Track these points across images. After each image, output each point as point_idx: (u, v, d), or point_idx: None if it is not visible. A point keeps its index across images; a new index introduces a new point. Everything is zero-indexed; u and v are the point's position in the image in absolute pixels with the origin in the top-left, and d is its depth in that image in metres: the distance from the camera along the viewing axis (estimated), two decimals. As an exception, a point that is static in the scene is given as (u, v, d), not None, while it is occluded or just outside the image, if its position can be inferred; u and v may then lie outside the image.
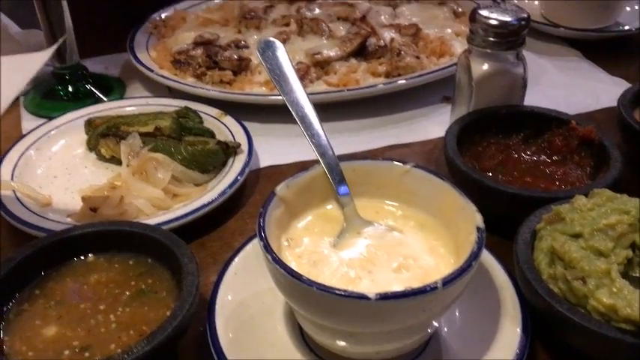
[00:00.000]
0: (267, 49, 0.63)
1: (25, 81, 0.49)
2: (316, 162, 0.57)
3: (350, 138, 0.82)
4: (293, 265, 0.49)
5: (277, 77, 0.61)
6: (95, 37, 1.04)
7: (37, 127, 0.79)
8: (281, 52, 0.63)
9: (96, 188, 0.68)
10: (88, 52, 0.96)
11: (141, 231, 0.55)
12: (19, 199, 0.67)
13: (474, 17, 0.70)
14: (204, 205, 0.66)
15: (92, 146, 0.77)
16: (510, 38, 0.69)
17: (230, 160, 0.73)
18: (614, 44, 1.00)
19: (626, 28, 1.00)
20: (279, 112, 0.67)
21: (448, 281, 0.43)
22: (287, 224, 0.54)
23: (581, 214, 0.53)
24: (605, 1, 0.97)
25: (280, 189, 0.53)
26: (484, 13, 0.70)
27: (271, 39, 0.63)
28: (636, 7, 1.03)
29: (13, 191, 0.67)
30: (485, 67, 0.71)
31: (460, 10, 1.02)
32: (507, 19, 0.69)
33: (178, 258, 0.52)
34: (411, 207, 0.56)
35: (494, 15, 0.69)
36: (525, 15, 0.70)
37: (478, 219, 0.49)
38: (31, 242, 0.54)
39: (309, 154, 0.58)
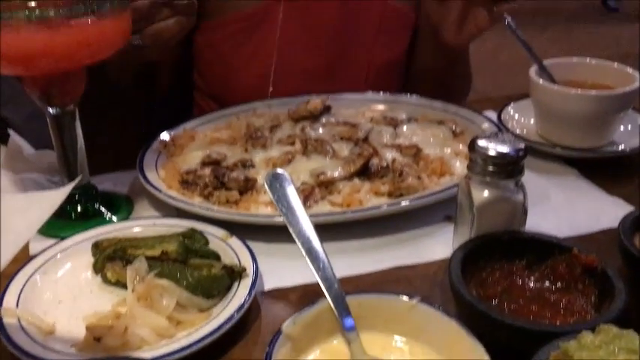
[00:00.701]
0: (274, 181, 0.65)
1: (42, 221, 0.50)
2: (320, 292, 0.58)
3: (355, 259, 0.83)
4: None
5: (285, 209, 0.63)
6: (105, 154, 1.07)
7: (45, 250, 0.80)
8: (288, 183, 0.65)
9: (100, 316, 0.68)
10: (97, 169, 0.98)
11: (145, 367, 0.55)
12: (22, 328, 0.67)
13: (473, 147, 0.73)
14: (209, 334, 0.65)
15: (98, 269, 0.77)
16: (509, 168, 0.72)
17: (235, 284, 0.73)
18: (611, 163, 1.02)
19: (621, 148, 1.03)
20: (284, 232, 0.69)
21: None
22: (293, 362, 0.54)
23: (589, 353, 0.53)
24: (599, 122, 1.01)
25: (287, 326, 0.54)
26: (482, 143, 0.72)
27: (279, 171, 0.66)
28: (629, 127, 1.07)
29: (18, 319, 0.67)
30: (486, 194, 0.73)
31: (458, 130, 1.06)
32: (505, 150, 0.71)
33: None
34: (418, 342, 0.56)
35: (492, 145, 0.72)
36: (522, 146, 0.72)
37: (486, 362, 0.49)
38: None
39: (313, 276, 0.60)
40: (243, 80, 1.27)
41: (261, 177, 0.93)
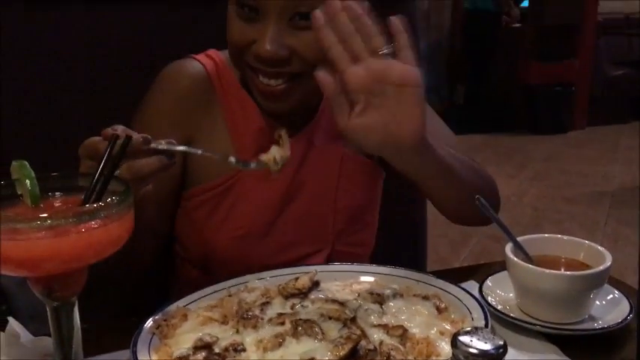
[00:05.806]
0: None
1: None
2: None
3: None
4: None
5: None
6: (100, 334, 1.10)
7: None
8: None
9: None
10: (91, 350, 1.00)
11: None
12: None
13: (455, 344, 0.77)
14: None
15: None
16: (489, 364, 0.75)
17: None
18: (590, 339, 1.06)
19: (599, 323, 1.07)
20: None
21: None
22: None
23: None
24: (574, 299, 1.06)
25: None
26: (464, 340, 0.77)
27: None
28: (604, 302, 1.12)
29: None
30: (470, 391, 0.76)
31: (443, 305, 1.10)
32: (486, 347, 0.75)
33: None
34: None
35: (473, 343, 0.76)
36: (502, 342, 0.76)
37: None
38: None
39: None
40: (218, 243, 1.35)
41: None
